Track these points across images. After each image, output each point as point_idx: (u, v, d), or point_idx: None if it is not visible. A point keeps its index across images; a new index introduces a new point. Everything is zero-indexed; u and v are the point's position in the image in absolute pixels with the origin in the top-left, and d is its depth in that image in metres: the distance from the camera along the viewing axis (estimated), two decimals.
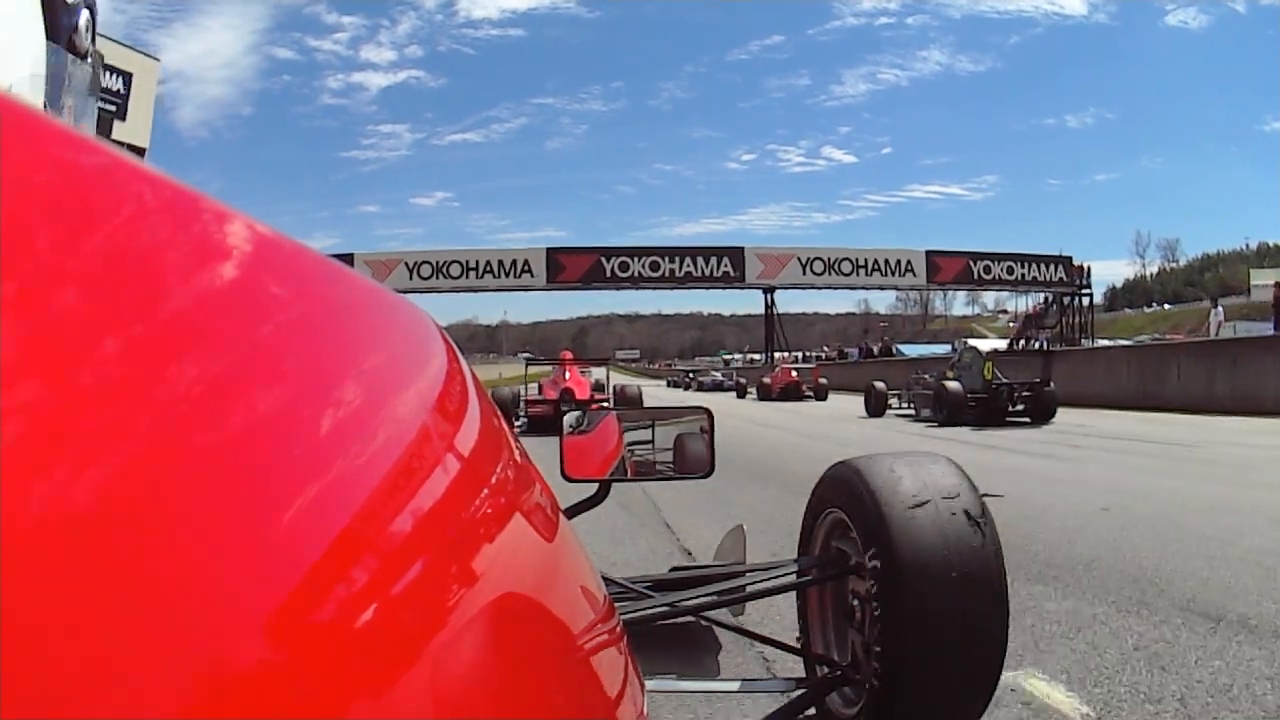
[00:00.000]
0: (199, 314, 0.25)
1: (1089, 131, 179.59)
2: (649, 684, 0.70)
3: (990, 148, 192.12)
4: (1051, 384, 11.33)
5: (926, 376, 13.21)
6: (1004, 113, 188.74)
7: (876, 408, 13.98)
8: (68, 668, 0.15)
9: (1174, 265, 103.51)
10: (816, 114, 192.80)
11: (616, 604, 0.74)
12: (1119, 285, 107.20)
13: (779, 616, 2.32)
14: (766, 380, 23.38)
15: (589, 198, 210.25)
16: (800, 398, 21.04)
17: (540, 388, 11.77)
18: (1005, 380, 11.34)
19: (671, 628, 2.12)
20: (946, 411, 11.40)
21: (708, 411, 1.70)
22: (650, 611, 1.57)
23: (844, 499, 1.51)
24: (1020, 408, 11.27)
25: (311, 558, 0.24)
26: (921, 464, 1.47)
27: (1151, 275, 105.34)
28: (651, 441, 1.83)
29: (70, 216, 0.22)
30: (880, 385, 14.34)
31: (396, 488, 0.31)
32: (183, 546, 0.20)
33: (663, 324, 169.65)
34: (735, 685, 1.79)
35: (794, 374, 22.72)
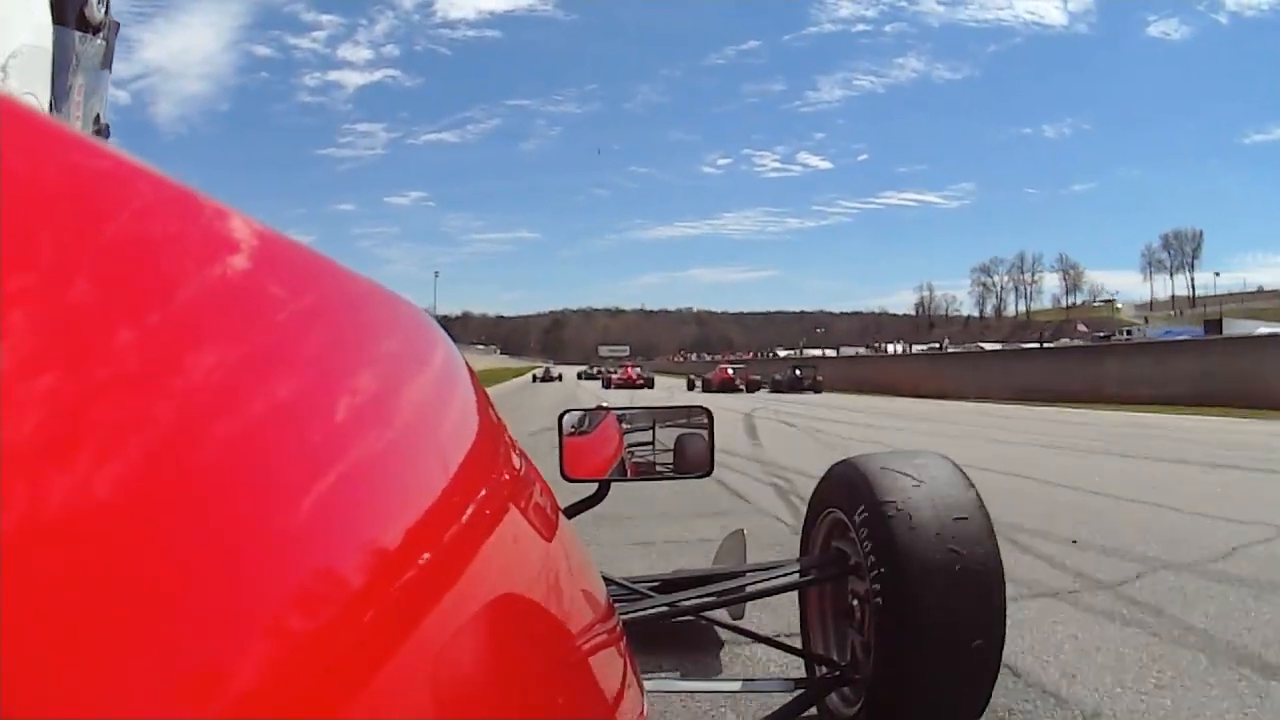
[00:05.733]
0: (200, 311, 0.25)
1: (1066, 141, 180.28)
2: (649, 684, 0.70)
3: (967, 156, 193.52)
4: (820, 378, 31.71)
5: (775, 375, 33.68)
6: (981, 121, 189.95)
7: (752, 389, 32.81)
8: (75, 664, 0.15)
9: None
10: (792, 120, 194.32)
11: (616, 604, 0.74)
12: None
13: (777, 618, 2.33)
14: (709, 377, 35.93)
15: (564, 200, 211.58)
16: (734, 390, 32.53)
17: (615, 372, 42.52)
18: (800, 376, 31.97)
19: (671, 627, 2.12)
20: (772, 386, 32.26)
21: (707, 411, 1.70)
22: (650, 611, 1.57)
23: (843, 498, 1.51)
24: (808, 386, 30.83)
25: (310, 556, 0.24)
26: (920, 462, 1.47)
27: None
28: (652, 442, 1.83)
29: (73, 216, 0.22)
30: (757, 377, 35.11)
31: (396, 486, 0.31)
32: (183, 543, 0.20)
33: (650, 319, 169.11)
34: (735, 685, 1.79)
35: (729, 371, 35.94)
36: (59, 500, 0.17)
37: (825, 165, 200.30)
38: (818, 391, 30.20)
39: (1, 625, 0.15)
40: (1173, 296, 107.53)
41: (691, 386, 36.56)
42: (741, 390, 32.49)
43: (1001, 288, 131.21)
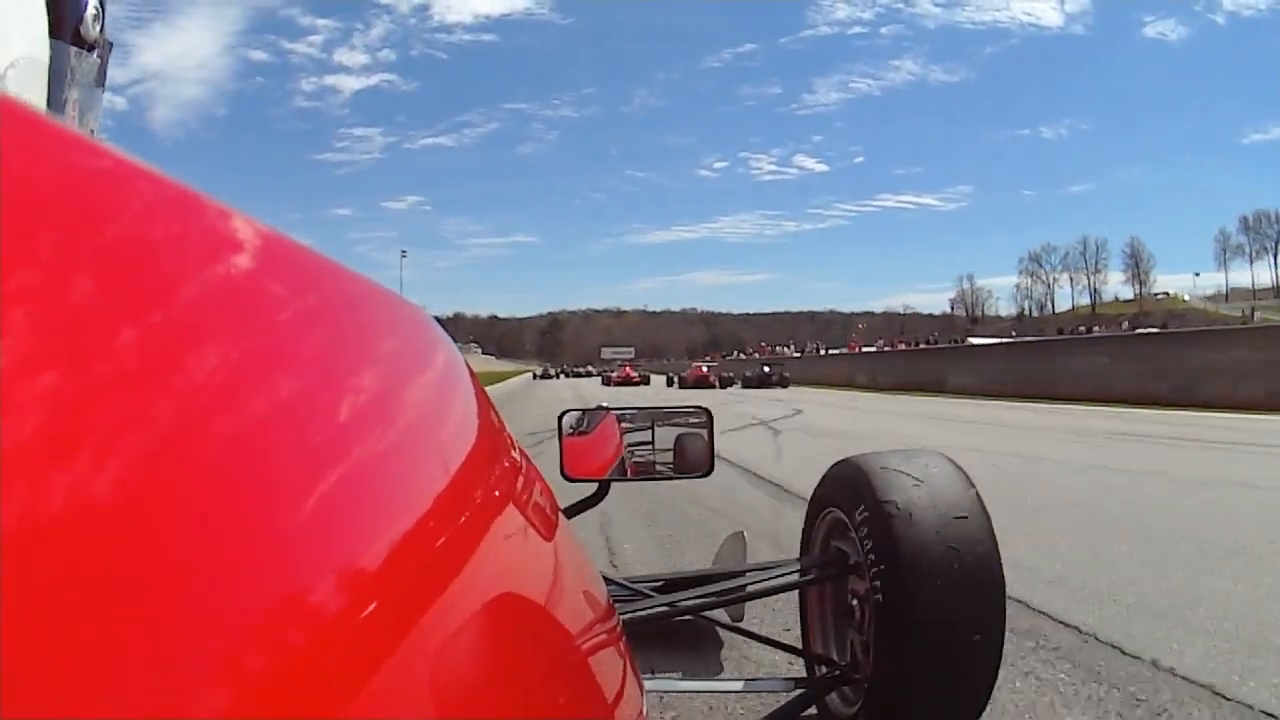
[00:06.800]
0: (201, 311, 0.25)
1: (1063, 143, 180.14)
2: (649, 684, 0.70)
3: (963, 158, 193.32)
4: (786, 375, 36.86)
5: (746, 372, 38.73)
6: (978, 123, 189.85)
7: (724, 384, 36.87)
8: (76, 664, 0.15)
9: None
10: (789, 122, 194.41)
11: (616, 604, 0.74)
12: None
13: (775, 617, 2.32)
14: (684, 374, 42.25)
15: (561, 203, 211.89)
16: (708, 386, 36.39)
17: (614, 372, 53.26)
18: (767, 372, 36.51)
19: (671, 627, 2.12)
20: (743, 382, 36.46)
21: (708, 411, 1.70)
22: (650, 611, 1.57)
23: (843, 498, 1.51)
24: (775, 382, 35.23)
25: (311, 556, 0.24)
26: (921, 462, 1.47)
27: None
28: (652, 442, 1.83)
29: (73, 216, 0.22)
30: (729, 375, 40.92)
31: (396, 486, 0.31)
32: (184, 543, 0.20)
33: (653, 320, 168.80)
34: (735, 685, 1.79)
35: (704, 369, 41.90)
36: (59, 500, 0.17)
37: (822, 168, 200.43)
38: (784, 386, 34.14)
39: (1, 625, 0.15)
40: (1253, 286, 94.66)
41: (670, 383, 42.62)
42: (715, 386, 36.67)
43: (1053, 281, 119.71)
